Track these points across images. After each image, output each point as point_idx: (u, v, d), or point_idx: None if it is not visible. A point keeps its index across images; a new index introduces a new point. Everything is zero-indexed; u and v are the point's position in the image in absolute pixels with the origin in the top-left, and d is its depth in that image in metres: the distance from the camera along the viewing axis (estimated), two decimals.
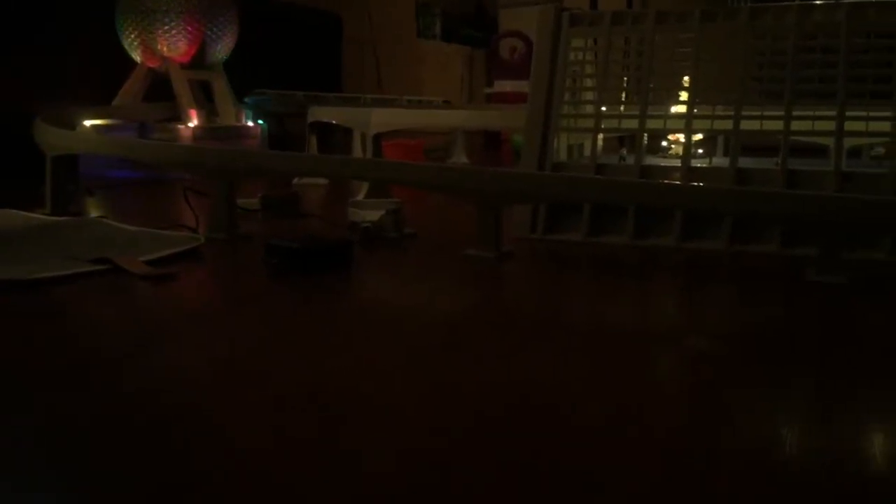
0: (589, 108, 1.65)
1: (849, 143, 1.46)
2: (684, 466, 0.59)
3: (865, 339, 0.95)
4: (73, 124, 2.02)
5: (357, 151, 2.39)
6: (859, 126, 1.43)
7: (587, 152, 1.68)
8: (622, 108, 1.70)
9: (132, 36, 2.81)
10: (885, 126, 1.40)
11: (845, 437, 0.65)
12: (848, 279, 1.17)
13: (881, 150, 1.77)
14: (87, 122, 2.58)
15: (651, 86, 1.58)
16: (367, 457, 0.60)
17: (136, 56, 2.87)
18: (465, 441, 0.63)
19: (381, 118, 2.09)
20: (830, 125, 1.43)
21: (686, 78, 1.58)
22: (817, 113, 1.46)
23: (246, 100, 3.07)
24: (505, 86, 5.09)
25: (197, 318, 1.02)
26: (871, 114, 1.43)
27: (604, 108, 1.63)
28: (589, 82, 1.70)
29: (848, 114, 1.42)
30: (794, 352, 0.88)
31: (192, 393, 0.74)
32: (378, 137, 2.09)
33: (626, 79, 1.73)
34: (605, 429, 0.66)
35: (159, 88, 2.87)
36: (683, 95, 1.59)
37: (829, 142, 1.45)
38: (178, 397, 0.72)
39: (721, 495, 0.54)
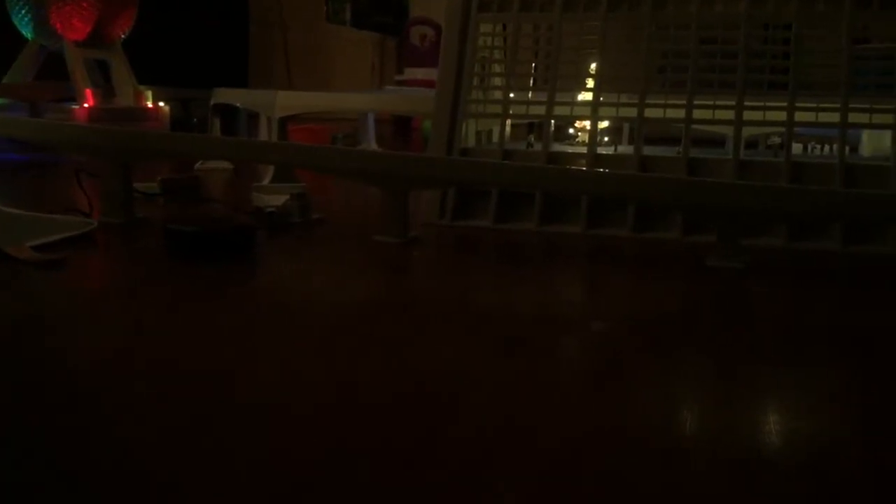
0: (497, 95, 1.64)
1: (746, 132, 1.51)
2: (583, 451, 0.59)
3: (760, 321, 0.97)
4: None
5: (263, 136, 2.33)
6: (757, 116, 1.47)
7: (495, 138, 1.68)
8: (530, 94, 1.70)
9: (23, 11, 2.66)
10: (781, 116, 1.45)
11: (742, 413, 0.66)
12: (746, 265, 1.20)
13: (777, 140, 1.83)
14: None
15: (559, 73, 1.58)
16: (248, 447, 0.58)
17: (27, 32, 2.72)
18: (354, 429, 0.61)
19: (287, 101, 2.03)
20: (730, 114, 1.47)
21: (593, 66, 1.59)
22: (717, 102, 1.49)
23: None
24: (416, 73, 5.06)
25: (86, 306, 0.96)
26: (768, 104, 1.47)
27: (512, 95, 1.63)
28: (497, 68, 1.69)
29: (746, 103, 1.46)
30: (693, 333, 0.90)
31: (79, 384, 0.70)
32: (284, 121, 2.04)
33: (534, 65, 1.74)
34: (500, 413, 0.65)
35: (53, 67, 2.73)
36: (590, 83, 1.60)
37: (729, 130, 1.49)
38: (64, 388, 0.68)
39: (622, 478, 0.54)
